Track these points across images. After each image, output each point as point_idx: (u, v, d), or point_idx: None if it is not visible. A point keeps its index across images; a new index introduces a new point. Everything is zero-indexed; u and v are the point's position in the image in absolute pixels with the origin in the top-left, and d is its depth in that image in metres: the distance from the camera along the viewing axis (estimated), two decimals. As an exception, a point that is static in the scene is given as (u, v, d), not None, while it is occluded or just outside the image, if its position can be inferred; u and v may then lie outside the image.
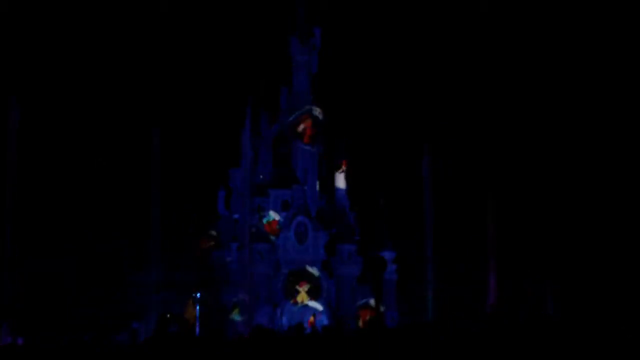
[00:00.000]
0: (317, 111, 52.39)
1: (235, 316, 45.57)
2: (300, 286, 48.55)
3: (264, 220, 49.95)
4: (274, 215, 50.26)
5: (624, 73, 60.32)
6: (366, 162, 57.04)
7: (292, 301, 48.03)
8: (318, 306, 47.73)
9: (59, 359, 19.90)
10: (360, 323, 46.77)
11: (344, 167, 52.21)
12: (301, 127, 52.26)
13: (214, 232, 45.71)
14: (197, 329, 40.81)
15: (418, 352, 13.90)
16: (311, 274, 48.83)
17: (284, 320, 45.94)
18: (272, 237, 49.03)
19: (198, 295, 44.14)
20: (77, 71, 60.99)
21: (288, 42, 54.03)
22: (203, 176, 54.08)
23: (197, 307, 44.07)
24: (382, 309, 45.32)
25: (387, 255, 52.03)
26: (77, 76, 60.84)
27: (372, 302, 47.39)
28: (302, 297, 48.47)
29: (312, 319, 46.71)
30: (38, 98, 56.65)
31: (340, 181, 53.06)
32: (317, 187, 53.33)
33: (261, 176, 52.11)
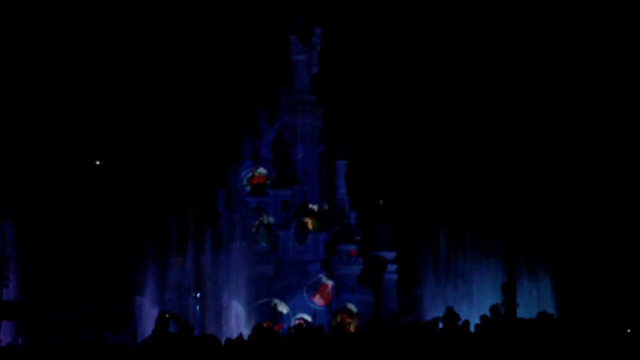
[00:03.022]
0: None
1: None
2: (307, 221, 50.07)
3: (257, 172, 50.93)
4: (262, 171, 50.91)
5: (617, 75, 60.37)
6: (366, 162, 57.02)
7: (299, 242, 49.07)
8: None
9: (59, 359, 19.89)
10: (334, 323, 46.44)
11: None
12: None
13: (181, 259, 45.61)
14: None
15: (418, 352, 13.90)
16: (314, 211, 50.49)
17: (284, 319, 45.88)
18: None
19: (198, 295, 44.08)
20: (79, 72, 61.06)
21: (288, 42, 53.92)
22: (203, 176, 54.05)
23: (197, 307, 44.02)
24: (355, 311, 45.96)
25: (387, 255, 52.03)
26: (79, 77, 60.91)
27: (350, 306, 47.46)
28: (310, 225, 50.06)
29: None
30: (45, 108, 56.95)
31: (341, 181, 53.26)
32: (317, 187, 53.31)
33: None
